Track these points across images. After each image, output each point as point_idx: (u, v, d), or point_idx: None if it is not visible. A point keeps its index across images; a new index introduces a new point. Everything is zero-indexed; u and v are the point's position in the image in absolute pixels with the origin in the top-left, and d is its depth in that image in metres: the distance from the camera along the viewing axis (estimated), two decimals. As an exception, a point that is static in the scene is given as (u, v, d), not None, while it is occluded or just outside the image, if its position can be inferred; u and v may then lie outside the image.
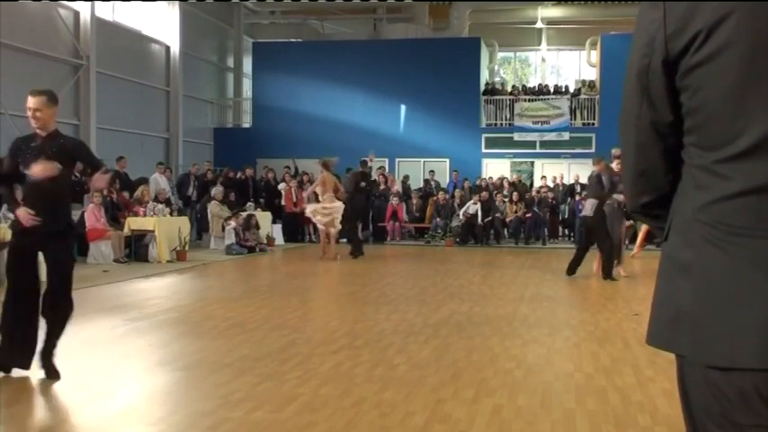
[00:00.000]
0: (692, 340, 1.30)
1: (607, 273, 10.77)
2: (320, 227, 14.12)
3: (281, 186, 18.84)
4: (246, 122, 25.57)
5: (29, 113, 5.07)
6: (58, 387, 4.94)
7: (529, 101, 22.91)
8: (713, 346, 1.27)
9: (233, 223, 15.22)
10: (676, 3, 1.32)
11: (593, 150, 20.87)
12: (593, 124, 22.39)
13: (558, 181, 20.35)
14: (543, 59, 28.50)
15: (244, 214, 15.78)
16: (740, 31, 1.25)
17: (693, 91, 1.33)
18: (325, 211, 13.76)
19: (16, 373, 5.14)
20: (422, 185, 20.71)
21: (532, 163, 22.71)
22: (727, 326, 1.25)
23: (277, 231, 17.79)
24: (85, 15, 17.55)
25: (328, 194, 13.78)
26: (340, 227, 14.13)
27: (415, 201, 19.52)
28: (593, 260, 11.43)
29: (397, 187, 19.71)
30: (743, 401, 1.26)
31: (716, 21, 1.27)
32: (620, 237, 11.29)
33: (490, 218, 18.31)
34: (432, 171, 21.33)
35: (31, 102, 5.03)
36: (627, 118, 1.46)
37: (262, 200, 18.76)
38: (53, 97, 5.15)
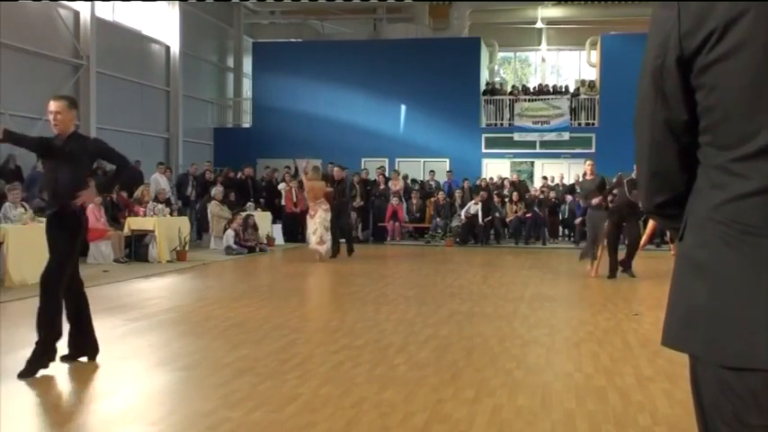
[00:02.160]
0: (706, 340, 1.29)
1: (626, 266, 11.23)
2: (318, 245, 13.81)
3: (282, 186, 18.84)
4: (246, 122, 25.57)
5: (50, 117, 5.38)
6: (57, 387, 4.94)
7: (529, 101, 22.91)
8: (727, 346, 1.26)
9: (234, 225, 15.21)
10: (690, 1, 1.32)
11: (593, 150, 20.90)
12: (594, 124, 22.39)
13: (558, 181, 20.36)
14: (543, 59, 28.49)
15: (242, 214, 15.78)
16: (755, 30, 1.25)
17: (708, 90, 1.32)
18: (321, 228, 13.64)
19: (15, 372, 5.15)
20: (422, 185, 20.65)
21: (532, 163, 22.71)
22: (740, 326, 1.24)
23: (277, 231, 17.78)
24: (85, 15, 17.56)
25: (319, 201, 13.65)
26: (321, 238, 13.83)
27: (415, 201, 19.53)
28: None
29: (401, 186, 19.69)
30: (754, 402, 1.25)
31: (731, 19, 1.26)
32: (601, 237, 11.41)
33: (490, 218, 18.32)
34: (432, 171, 21.33)
35: (52, 105, 5.35)
36: (641, 117, 1.45)
37: (262, 200, 18.75)
38: (73, 102, 5.55)
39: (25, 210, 10.71)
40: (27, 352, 5.45)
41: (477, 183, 20.00)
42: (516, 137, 22.39)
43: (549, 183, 20.02)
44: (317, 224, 13.53)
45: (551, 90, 23.89)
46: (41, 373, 5.12)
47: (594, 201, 11.18)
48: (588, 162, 11.88)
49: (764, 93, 1.26)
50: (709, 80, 1.31)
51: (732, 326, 1.26)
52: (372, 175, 20.22)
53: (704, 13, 1.29)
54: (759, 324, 1.23)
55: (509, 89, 24.58)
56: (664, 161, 1.44)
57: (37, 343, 5.18)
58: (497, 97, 23.35)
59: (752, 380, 1.24)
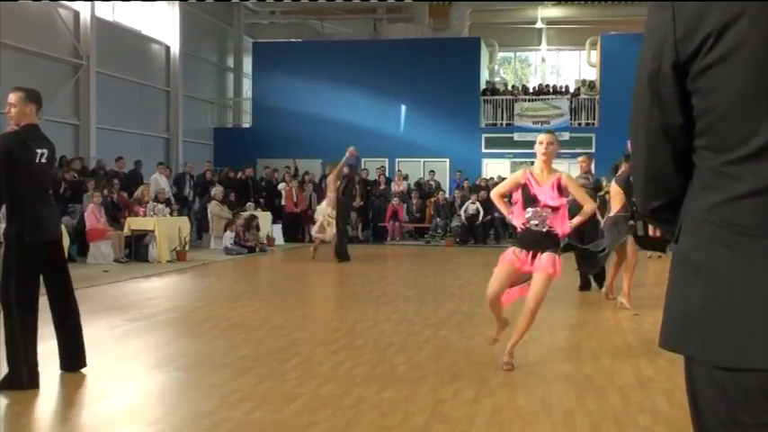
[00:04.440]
0: (702, 341, 1.30)
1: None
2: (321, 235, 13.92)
3: (282, 186, 18.85)
4: (246, 122, 25.57)
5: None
6: (57, 387, 4.93)
7: (529, 101, 22.91)
8: (722, 347, 1.27)
9: (234, 225, 15.20)
10: (685, 5, 1.31)
11: (593, 150, 20.87)
12: (593, 124, 22.39)
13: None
14: (543, 59, 28.49)
15: (245, 214, 15.78)
16: (751, 32, 1.24)
17: (705, 93, 1.32)
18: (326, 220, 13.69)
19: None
20: (420, 186, 20.62)
21: (532, 163, 22.60)
22: (736, 326, 1.25)
23: (277, 231, 17.79)
24: (85, 15, 17.56)
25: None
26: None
27: (415, 201, 19.54)
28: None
29: (403, 187, 19.72)
30: (749, 401, 1.26)
31: (726, 22, 1.26)
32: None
33: (490, 217, 18.32)
34: (432, 171, 21.34)
35: (10, 97, 4.97)
36: (637, 121, 1.45)
37: (262, 200, 18.76)
38: (31, 95, 5.01)
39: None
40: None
41: (477, 183, 20.02)
42: (516, 137, 22.38)
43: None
44: (320, 214, 13.62)
45: (551, 90, 23.89)
46: (41, 373, 5.11)
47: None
48: (581, 158, 10.05)
49: (760, 95, 1.26)
50: (705, 84, 1.31)
51: (727, 326, 1.26)
52: (373, 176, 20.22)
53: (699, 17, 1.29)
54: (753, 324, 1.23)
55: (509, 89, 24.58)
56: (659, 165, 1.44)
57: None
58: (497, 97, 23.35)
59: (747, 379, 1.25)
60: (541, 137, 5.42)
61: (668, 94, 1.37)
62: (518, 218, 5.24)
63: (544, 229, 5.12)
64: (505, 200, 5.64)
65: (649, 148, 1.44)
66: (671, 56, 1.34)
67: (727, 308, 1.26)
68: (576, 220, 5.33)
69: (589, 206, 5.40)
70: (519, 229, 5.31)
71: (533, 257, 5.13)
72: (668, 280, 1.41)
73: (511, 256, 5.20)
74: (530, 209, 5.17)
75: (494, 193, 5.65)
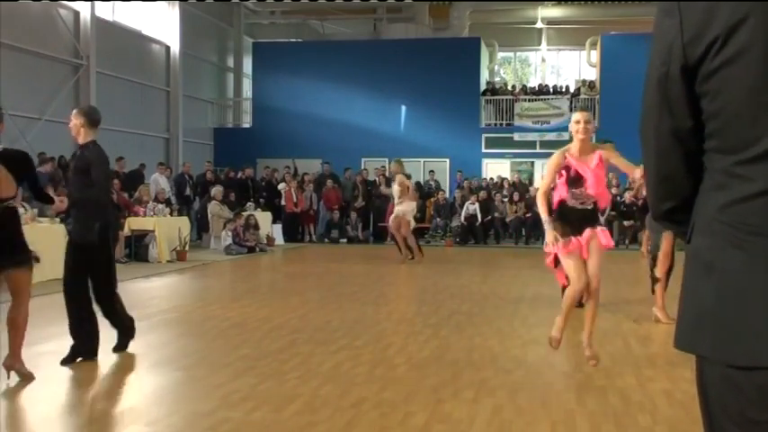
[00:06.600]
0: (714, 340, 1.31)
1: None
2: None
3: (282, 186, 18.85)
4: (246, 122, 25.57)
5: None
6: (57, 386, 4.93)
7: (529, 101, 22.91)
8: (734, 346, 1.27)
9: (232, 225, 15.20)
10: (692, 8, 1.32)
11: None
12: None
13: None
14: (543, 59, 28.50)
15: (244, 215, 15.78)
16: (757, 34, 1.25)
17: (713, 95, 1.33)
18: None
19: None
20: (420, 186, 20.61)
21: (532, 163, 22.70)
22: (748, 325, 1.26)
23: (277, 231, 17.80)
24: (85, 15, 17.56)
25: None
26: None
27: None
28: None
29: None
30: (762, 399, 1.27)
31: (733, 24, 1.26)
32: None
33: (490, 218, 18.33)
34: (432, 171, 21.34)
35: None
36: (647, 125, 1.46)
37: (262, 200, 18.76)
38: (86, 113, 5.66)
39: (26, 210, 10.70)
40: (27, 352, 5.45)
41: (476, 183, 20.03)
42: (516, 137, 22.38)
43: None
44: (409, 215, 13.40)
45: (551, 90, 23.90)
46: (41, 372, 5.12)
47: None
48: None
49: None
50: (713, 86, 1.32)
51: (740, 325, 1.27)
52: (372, 176, 20.21)
53: (707, 20, 1.30)
54: (766, 322, 1.24)
55: (509, 89, 24.57)
56: (670, 167, 1.45)
57: None
58: (497, 97, 23.35)
59: (760, 378, 1.26)
60: (577, 115, 5.31)
61: (677, 98, 1.38)
62: (560, 193, 5.25)
63: (589, 207, 5.18)
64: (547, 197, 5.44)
65: (660, 152, 1.45)
66: (679, 59, 1.35)
67: (740, 307, 1.27)
68: (628, 196, 5.36)
69: (636, 171, 5.24)
70: (554, 206, 5.30)
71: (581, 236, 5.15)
72: (682, 280, 1.42)
73: (568, 246, 5.14)
74: (573, 190, 5.16)
75: (540, 193, 5.42)
